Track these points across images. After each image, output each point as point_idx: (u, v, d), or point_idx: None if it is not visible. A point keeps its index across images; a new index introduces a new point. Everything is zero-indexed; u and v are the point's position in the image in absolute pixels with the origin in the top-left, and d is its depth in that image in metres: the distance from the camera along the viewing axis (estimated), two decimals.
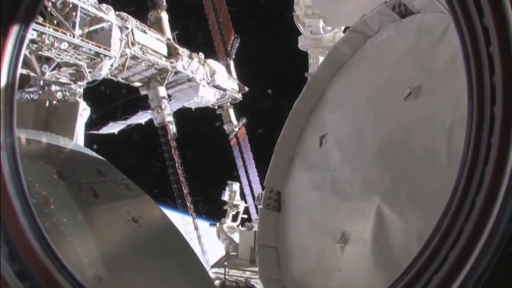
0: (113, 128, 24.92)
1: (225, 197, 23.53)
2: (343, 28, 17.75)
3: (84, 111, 17.44)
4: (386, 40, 5.63)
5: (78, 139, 16.97)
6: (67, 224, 4.27)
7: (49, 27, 14.15)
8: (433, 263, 2.54)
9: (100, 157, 6.26)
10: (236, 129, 29.80)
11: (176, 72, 21.81)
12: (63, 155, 5.45)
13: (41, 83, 16.81)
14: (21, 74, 15.47)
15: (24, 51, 3.21)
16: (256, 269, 16.67)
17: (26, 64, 15.10)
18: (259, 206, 6.72)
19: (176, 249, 6.05)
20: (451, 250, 2.46)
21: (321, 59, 17.67)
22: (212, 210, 26.92)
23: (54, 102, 16.51)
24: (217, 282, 15.10)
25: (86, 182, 5.24)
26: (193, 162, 29.14)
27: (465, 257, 2.34)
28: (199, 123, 31.75)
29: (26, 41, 3.07)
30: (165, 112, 21.58)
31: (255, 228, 19.34)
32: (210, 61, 24.78)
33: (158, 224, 5.98)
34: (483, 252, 2.26)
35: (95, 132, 22.92)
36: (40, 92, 16.97)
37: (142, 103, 22.75)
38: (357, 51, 6.13)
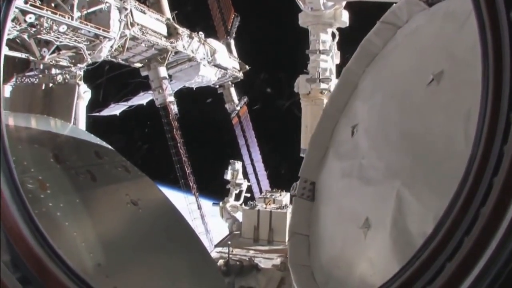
0: (115, 109, 24.91)
1: (228, 176, 23.48)
2: (343, 4, 17.60)
3: (85, 94, 17.41)
4: (415, 29, 5.66)
5: (80, 122, 16.97)
6: (64, 208, 4.23)
7: (47, 10, 14.01)
8: (445, 248, 2.47)
9: (98, 139, 6.21)
10: (238, 108, 29.79)
11: (177, 52, 21.71)
12: (59, 138, 5.39)
13: (41, 66, 16.75)
14: (21, 58, 15.43)
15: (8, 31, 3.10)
16: (260, 247, 16.95)
17: (25, 48, 15.03)
18: (293, 195, 6.81)
19: (176, 231, 6.02)
20: (466, 235, 2.39)
21: (322, 35, 17.56)
22: (215, 189, 27.02)
23: (51, 85, 16.43)
24: (221, 261, 15.12)
25: (83, 165, 5.19)
26: (195, 142, 29.17)
27: (483, 243, 2.25)
28: (201, 103, 31.70)
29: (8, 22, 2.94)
30: (166, 92, 21.55)
31: (258, 207, 19.39)
32: (211, 40, 24.63)
33: (158, 205, 5.95)
34: (506, 237, 2.18)
35: (97, 114, 22.89)
36: (40, 75, 16.91)
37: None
38: (388, 42, 6.20)
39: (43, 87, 16.34)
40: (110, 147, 6.20)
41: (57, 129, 5.64)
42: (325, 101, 18.09)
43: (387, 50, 6.24)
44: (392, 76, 5.75)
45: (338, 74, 18.38)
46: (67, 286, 2.71)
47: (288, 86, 19.33)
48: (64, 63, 17.03)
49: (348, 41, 18.88)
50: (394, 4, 6.03)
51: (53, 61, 16.56)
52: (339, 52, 18.20)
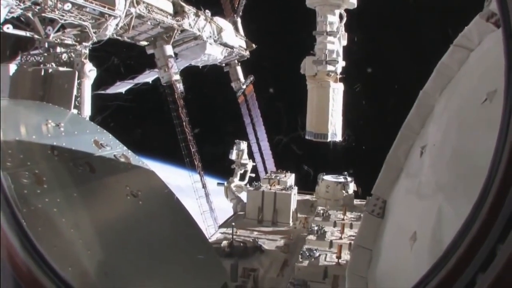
0: (120, 87, 24.79)
1: (233, 156, 23.47)
2: None
3: (90, 72, 17.27)
4: (486, 51, 5.70)
5: (85, 101, 16.88)
6: (61, 204, 4.16)
7: None
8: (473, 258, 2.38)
9: (98, 127, 6.13)
10: (244, 87, 29.63)
11: (183, 31, 21.46)
12: (58, 128, 5.29)
13: (46, 45, 16.59)
14: (25, 37, 15.29)
15: None
16: (264, 228, 16.94)
17: (30, 26, 14.86)
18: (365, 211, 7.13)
19: (176, 223, 5.98)
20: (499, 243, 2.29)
21: (329, 17, 17.31)
22: (220, 169, 27.00)
23: (50, 70, 16.28)
24: (224, 243, 15.16)
25: (82, 157, 5.12)
26: (201, 121, 29.07)
27: None
28: (207, 81, 31.53)
29: None
30: (172, 70, 21.38)
31: (263, 188, 19.39)
32: (217, 19, 24.35)
33: (158, 196, 5.89)
34: None
35: (102, 92, 22.79)
36: (45, 54, 16.77)
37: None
38: (463, 65, 6.21)
39: (43, 73, 16.18)
40: (110, 135, 6.12)
41: (56, 117, 5.54)
42: (331, 83, 17.97)
43: (461, 73, 6.30)
44: (458, 97, 5.83)
45: (345, 56, 18.19)
46: None
47: (294, 67, 19.13)
48: (69, 41, 16.86)
49: (356, 22, 18.64)
50: (466, 27, 6.12)
51: (58, 40, 16.40)
52: (346, 33, 17.96)
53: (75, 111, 16.01)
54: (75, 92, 16.44)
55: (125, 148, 6.11)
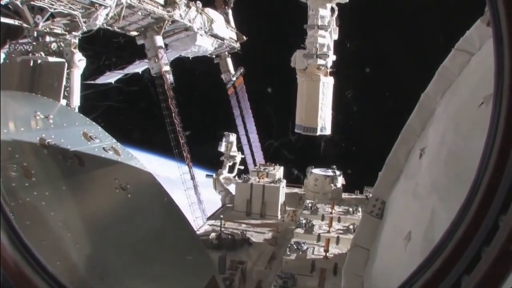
0: (110, 77, 24.68)
1: (222, 148, 23.47)
2: None
3: (80, 62, 17.13)
4: (486, 56, 5.72)
5: (74, 91, 16.76)
6: (49, 197, 4.14)
7: None
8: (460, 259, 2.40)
9: (88, 119, 6.09)
10: (234, 79, 29.61)
11: (173, 21, 21.37)
12: (47, 120, 5.25)
13: (35, 34, 16.41)
14: (14, 25, 15.10)
15: None
16: (252, 221, 16.97)
17: (19, 14, 14.69)
18: (363, 211, 7.23)
19: (165, 215, 5.97)
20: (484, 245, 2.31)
21: (321, 10, 17.26)
22: (209, 161, 27.01)
23: (39, 61, 16.11)
24: (213, 235, 15.19)
25: (71, 149, 5.09)
26: (190, 112, 29.02)
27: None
28: (196, 73, 31.47)
29: None
30: (162, 61, 21.31)
31: (251, 180, 19.42)
32: (208, 10, 24.25)
33: (147, 190, 5.87)
34: None
35: (92, 82, 22.66)
36: (34, 43, 16.59)
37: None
38: (464, 69, 6.25)
39: (31, 63, 16.01)
40: (100, 128, 6.09)
41: (45, 109, 5.49)
42: (322, 77, 17.96)
43: (461, 77, 6.36)
44: (457, 100, 5.89)
45: (335, 50, 18.17)
46: None
47: (285, 60, 19.10)
48: (58, 30, 16.70)
49: (347, 17, 18.61)
50: (467, 31, 6.19)
51: (47, 29, 16.23)
52: (337, 28, 17.93)
53: (64, 102, 15.91)
54: (64, 83, 16.30)
55: (114, 140, 6.08)
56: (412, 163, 6.61)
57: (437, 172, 5.09)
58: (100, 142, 5.77)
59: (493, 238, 2.28)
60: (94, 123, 6.09)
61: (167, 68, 21.68)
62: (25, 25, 15.12)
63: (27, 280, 2.55)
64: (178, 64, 24.53)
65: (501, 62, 2.50)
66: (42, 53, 16.54)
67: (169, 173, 23.72)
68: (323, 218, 15.75)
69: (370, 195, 7.22)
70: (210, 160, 26.24)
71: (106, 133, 6.07)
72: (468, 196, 2.58)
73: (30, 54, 16.51)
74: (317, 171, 21.62)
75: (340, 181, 21.34)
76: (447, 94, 6.47)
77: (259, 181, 19.42)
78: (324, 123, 18.33)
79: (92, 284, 3.92)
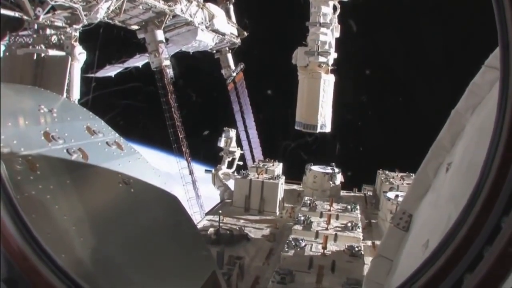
0: (110, 71, 24.68)
1: (221, 143, 23.49)
2: None
3: (80, 55, 17.12)
4: None
5: (74, 84, 16.75)
6: (54, 190, 4.16)
7: None
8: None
9: (91, 113, 6.11)
10: (234, 74, 29.61)
11: (174, 16, 21.37)
12: (51, 113, 5.27)
13: (35, 26, 16.40)
14: (14, 17, 15.09)
15: None
16: (250, 217, 17.00)
17: (19, 6, 14.68)
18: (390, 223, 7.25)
19: (167, 211, 6.00)
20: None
21: (323, 8, 17.30)
22: (208, 156, 27.05)
23: (43, 55, 16.11)
24: (211, 230, 15.22)
25: (75, 143, 5.11)
26: (190, 107, 29.05)
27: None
28: (197, 68, 31.46)
29: None
30: (162, 56, 21.32)
31: (250, 176, 19.46)
32: (209, 5, 24.24)
33: (149, 184, 5.89)
34: None
35: (92, 75, 22.65)
36: (34, 36, 16.57)
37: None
38: (494, 85, 6.30)
39: (35, 57, 16.00)
40: (103, 122, 6.10)
41: (48, 102, 5.51)
42: (323, 74, 18.00)
43: (492, 93, 6.32)
44: (484, 115, 5.90)
45: (337, 48, 18.21)
46: (55, 286, 2.66)
47: (286, 57, 19.14)
48: (59, 23, 16.70)
49: (350, 15, 18.65)
50: (497, 48, 6.26)
51: (48, 21, 16.23)
52: (339, 25, 17.97)
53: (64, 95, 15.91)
54: (68, 72, 16.31)
55: (117, 135, 6.10)
56: (439, 178, 6.70)
57: (457, 182, 5.15)
58: (103, 137, 5.78)
59: (495, 238, 2.32)
60: (97, 117, 6.10)
61: (167, 62, 21.69)
62: (25, 17, 15.13)
63: (36, 272, 2.59)
64: (179, 59, 24.54)
65: (506, 68, 2.52)
66: (42, 45, 16.53)
67: (167, 168, 23.70)
68: (321, 215, 15.79)
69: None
70: (209, 155, 26.30)
71: (109, 128, 6.09)
72: (471, 196, 2.61)
73: (30, 47, 16.51)
74: (316, 168, 21.67)
75: (339, 178, 21.40)
76: (477, 110, 6.49)
77: (258, 177, 19.46)
78: (324, 121, 18.39)
79: (96, 277, 3.95)
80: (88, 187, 4.89)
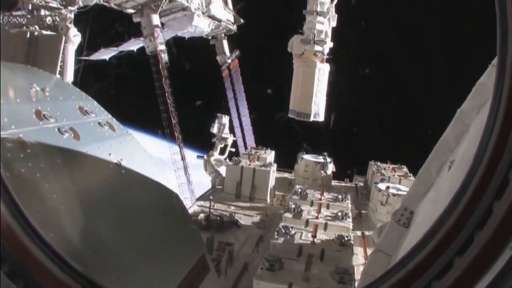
0: (104, 54, 24.50)
1: (214, 129, 23.46)
2: None
3: (74, 37, 16.97)
4: None
5: (68, 66, 16.63)
6: (44, 169, 4.13)
7: None
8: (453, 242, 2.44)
9: (84, 93, 6.07)
10: (229, 61, 29.50)
11: (171, 1, 21.21)
12: (43, 92, 5.23)
13: (29, 7, 16.22)
14: None
15: None
16: (241, 204, 17.03)
17: None
18: (391, 219, 7.36)
19: (157, 192, 5.99)
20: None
21: None
22: (201, 142, 27.02)
23: (36, 33, 15.95)
24: (201, 216, 15.26)
25: (66, 122, 5.07)
26: (183, 93, 28.93)
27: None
28: (192, 53, 31.32)
29: None
30: (157, 40, 21.17)
31: (242, 163, 19.46)
32: None
33: (140, 165, 5.87)
34: None
35: (86, 58, 22.48)
36: (28, 16, 16.39)
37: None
38: None
39: (28, 35, 15.83)
40: (95, 102, 6.06)
41: (41, 81, 5.46)
42: (318, 63, 17.97)
43: None
44: (487, 112, 5.92)
45: (333, 37, 18.17)
46: (44, 265, 2.64)
47: (282, 44, 19.09)
48: (54, 4, 16.52)
49: (347, 4, 18.60)
50: None
51: (43, 2, 16.06)
52: (336, 15, 17.92)
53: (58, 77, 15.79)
54: (62, 52, 16.15)
55: (109, 116, 6.07)
56: (442, 176, 6.75)
57: (456, 179, 5.13)
58: (95, 117, 5.75)
59: (486, 222, 2.33)
60: (90, 97, 6.06)
61: (162, 47, 21.55)
62: None
63: (24, 248, 2.57)
64: (174, 44, 24.42)
65: (504, 54, 2.51)
66: (36, 26, 16.36)
67: (161, 153, 23.69)
68: (312, 204, 15.81)
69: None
70: (202, 141, 26.27)
71: (102, 108, 6.05)
72: (464, 181, 2.61)
73: (24, 28, 16.34)
74: (308, 157, 21.70)
75: (331, 168, 21.45)
76: (483, 110, 6.49)
77: (250, 164, 19.47)
78: (318, 109, 18.38)
79: (85, 256, 3.94)
80: (79, 167, 4.86)
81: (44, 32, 16.19)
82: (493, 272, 2.20)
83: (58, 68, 15.90)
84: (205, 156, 22.98)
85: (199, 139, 28.13)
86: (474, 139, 5.73)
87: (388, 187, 17.44)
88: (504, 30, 2.51)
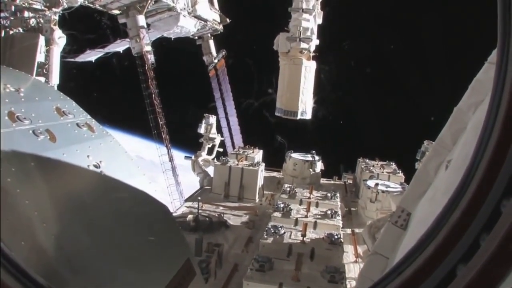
0: (90, 56, 24.34)
1: (201, 129, 23.33)
2: None
3: (60, 39, 16.76)
4: None
5: (54, 68, 16.42)
6: (16, 173, 3.94)
7: None
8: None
9: (61, 94, 5.88)
10: (215, 61, 29.44)
11: (157, 1, 21.11)
12: (17, 93, 5.04)
13: (12, 8, 15.97)
14: None
15: None
16: (229, 204, 16.90)
17: None
18: (388, 221, 7.22)
19: (138, 195, 5.81)
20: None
21: None
22: (188, 143, 26.88)
23: (11, 32, 15.70)
24: (190, 217, 15.09)
25: (42, 124, 4.89)
26: (170, 93, 28.81)
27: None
28: (178, 54, 31.20)
29: None
30: (143, 41, 21.03)
31: (230, 163, 19.31)
32: None
33: (121, 167, 5.70)
34: None
35: (72, 60, 22.28)
36: (12, 18, 16.14)
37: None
38: None
39: (3, 34, 15.57)
40: (74, 103, 5.88)
41: (15, 82, 5.27)
42: (304, 60, 17.87)
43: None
44: (484, 110, 5.84)
45: (319, 35, 18.08)
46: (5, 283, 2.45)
47: (268, 42, 18.98)
48: (37, 6, 16.27)
49: (332, 1, 18.52)
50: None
51: (26, 4, 15.82)
52: (322, 12, 17.84)
53: (42, 79, 15.56)
54: (39, 57, 15.90)
55: (88, 116, 5.88)
56: (439, 176, 6.67)
57: (453, 177, 5.05)
58: (73, 118, 5.56)
59: (495, 225, 2.09)
60: (68, 98, 5.88)
61: (148, 48, 21.42)
62: None
63: None
64: (160, 45, 24.29)
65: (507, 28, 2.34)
66: (20, 28, 16.13)
67: (152, 156, 23.59)
68: (301, 203, 15.70)
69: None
70: (189, 142, 26.13)
71: (81, 109, 5.87)
72: (465, 174, 2.42)
73: (8, 30, 16.10)
74: (296, 155, 21.60)
75: (319, 166, 21.37)
76: (480, 108, 6.39)
77: (238, 164, 19.33)
78: (305, 107, 18.29)
79: (59, 266, 3.76)
80: (55, 170, 4.67)
81: (21, 30, 15.95)
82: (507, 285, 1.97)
83: (42, 72, 15.66)
84: (193, 157, 22.83)
85: (186, 139, 28.00)
86: (471, 137, 5.64)
87: (377, 184, 17.37)
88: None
